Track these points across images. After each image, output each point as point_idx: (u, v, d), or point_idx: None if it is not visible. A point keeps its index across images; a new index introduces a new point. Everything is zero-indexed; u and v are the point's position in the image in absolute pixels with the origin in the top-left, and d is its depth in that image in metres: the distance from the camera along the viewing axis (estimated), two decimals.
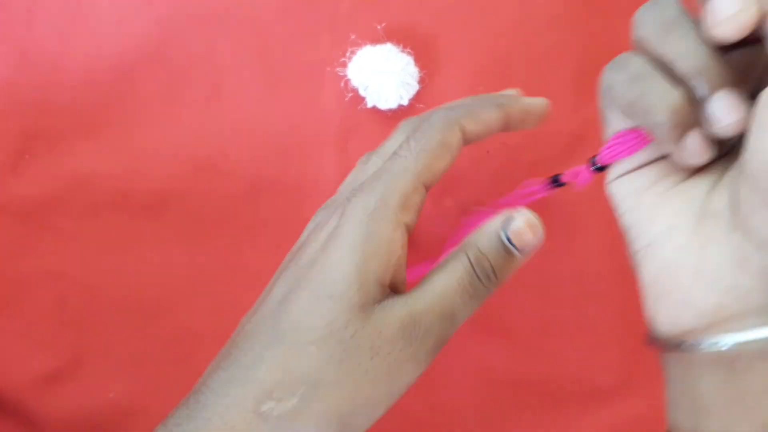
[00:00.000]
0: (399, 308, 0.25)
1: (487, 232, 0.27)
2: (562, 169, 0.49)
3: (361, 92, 0.46)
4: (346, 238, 0.26)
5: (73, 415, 0.45)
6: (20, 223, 0.46)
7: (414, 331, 0.25)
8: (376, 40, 0.46)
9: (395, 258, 0.26)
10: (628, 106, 0.25)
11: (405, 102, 0.46)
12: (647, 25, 0.25)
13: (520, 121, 0.31)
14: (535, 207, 0.49)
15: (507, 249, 0.27)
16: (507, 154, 0.47)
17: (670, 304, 0.26)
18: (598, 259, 0.46)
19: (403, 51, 0.46)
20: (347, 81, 0.46)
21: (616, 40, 0.50)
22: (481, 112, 0.29)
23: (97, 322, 0.46)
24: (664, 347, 0.26)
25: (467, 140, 0.29)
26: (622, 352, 0.46)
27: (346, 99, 0.46)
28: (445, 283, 0.26)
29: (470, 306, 0.26)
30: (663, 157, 0.27)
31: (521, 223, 0.27)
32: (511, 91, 0.33)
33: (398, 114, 0.47)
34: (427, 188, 0.28)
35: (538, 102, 0.32)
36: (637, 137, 0.27)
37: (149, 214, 0.46)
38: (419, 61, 0.46)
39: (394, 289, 0.26)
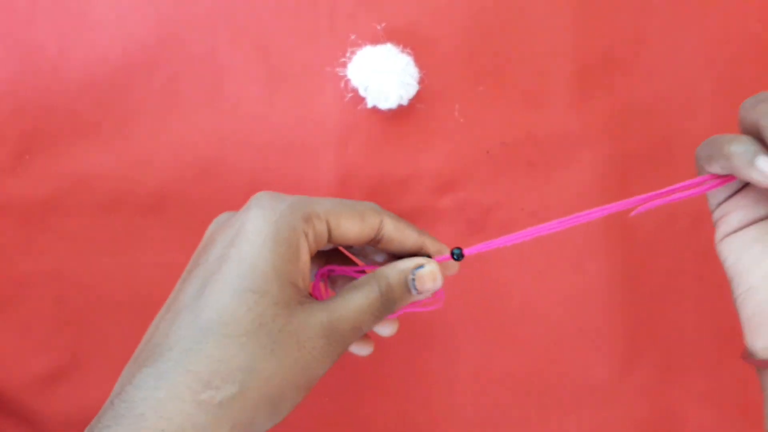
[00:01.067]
0: (321, 314, 0.28)
1: (398, 269, 0.31)
2: (561, 169, 0.49)
3: (361, 92, 0.46)
4: (257, 235, 0.28)
5: (73, 415, 0.45)
6: (20, 224, 0.46)
7: (332, 335, 0.28)
8: (376, 40, 0.46)
9: (302, 263, 0.29)
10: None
11: (405, 102, 0.46)
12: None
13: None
14: (534, 204, 0.49)
15: (409, 289, 0.31)
16: (507, 154, 0.47)
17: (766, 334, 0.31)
18: (596, 261, 0.46)
19: (403, 51, 0.46)
20: (347, 81, 0.46)
21: (615, 40, 0.51)
22: (406, 228, 0.33)
23: (97, 321, 0.46)
24: (761, 365, 0.31)
25: (379, 234, 0.32)
26: (620, 352, 0.46)
27: (346, 99, 0.46)
28: (361, 302, 0.30)
29: (372, 324, 0.31)
30: (764, 218, 0.32)
31: (427, 272, 0.32)
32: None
33: (398, 114, 0.47)
34: (330, 235, 0.31)
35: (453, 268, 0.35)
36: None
37: (149, 214, 0.46)
38: (419, 61, 0.46)
39: (305, 294, 0.29)
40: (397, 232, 0.33)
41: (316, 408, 0.45)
